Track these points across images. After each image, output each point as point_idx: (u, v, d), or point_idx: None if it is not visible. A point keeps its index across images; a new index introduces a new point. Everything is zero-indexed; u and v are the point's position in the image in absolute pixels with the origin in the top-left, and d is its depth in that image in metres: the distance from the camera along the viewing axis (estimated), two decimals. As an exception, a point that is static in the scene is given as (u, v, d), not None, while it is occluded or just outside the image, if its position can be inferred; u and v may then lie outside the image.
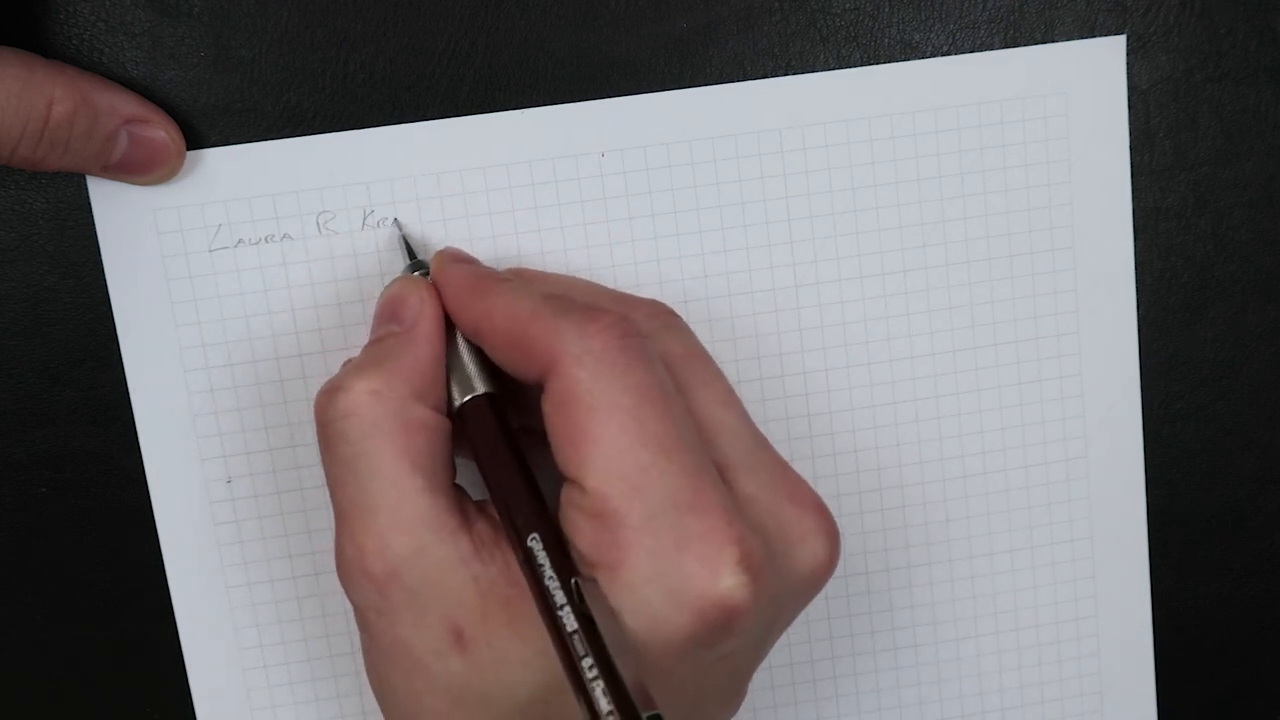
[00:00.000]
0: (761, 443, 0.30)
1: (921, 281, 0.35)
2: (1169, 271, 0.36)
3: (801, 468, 0.36)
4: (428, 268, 0.32)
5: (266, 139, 0.33)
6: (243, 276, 0.33)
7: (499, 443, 0.29)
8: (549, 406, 0.27)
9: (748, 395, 0.35)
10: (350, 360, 0.32)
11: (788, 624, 0.30)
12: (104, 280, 0.33)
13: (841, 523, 0.36)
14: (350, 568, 0.28)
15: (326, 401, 0.28)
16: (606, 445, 0.26)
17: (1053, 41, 0.35)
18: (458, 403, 0.30)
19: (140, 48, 0.32)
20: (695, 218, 0.34)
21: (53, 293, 0.33)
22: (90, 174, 0.32)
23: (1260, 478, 0.38)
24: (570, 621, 0.25)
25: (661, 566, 0.26)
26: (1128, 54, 0.35)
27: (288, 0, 0.32)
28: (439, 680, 0.27)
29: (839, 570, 0.36)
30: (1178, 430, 0.37)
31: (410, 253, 0.33)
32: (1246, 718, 0.39)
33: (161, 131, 0.31)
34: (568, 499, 0.27)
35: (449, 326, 0.30)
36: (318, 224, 0.33)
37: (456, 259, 0.32)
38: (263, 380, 0.34)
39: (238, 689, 0.35)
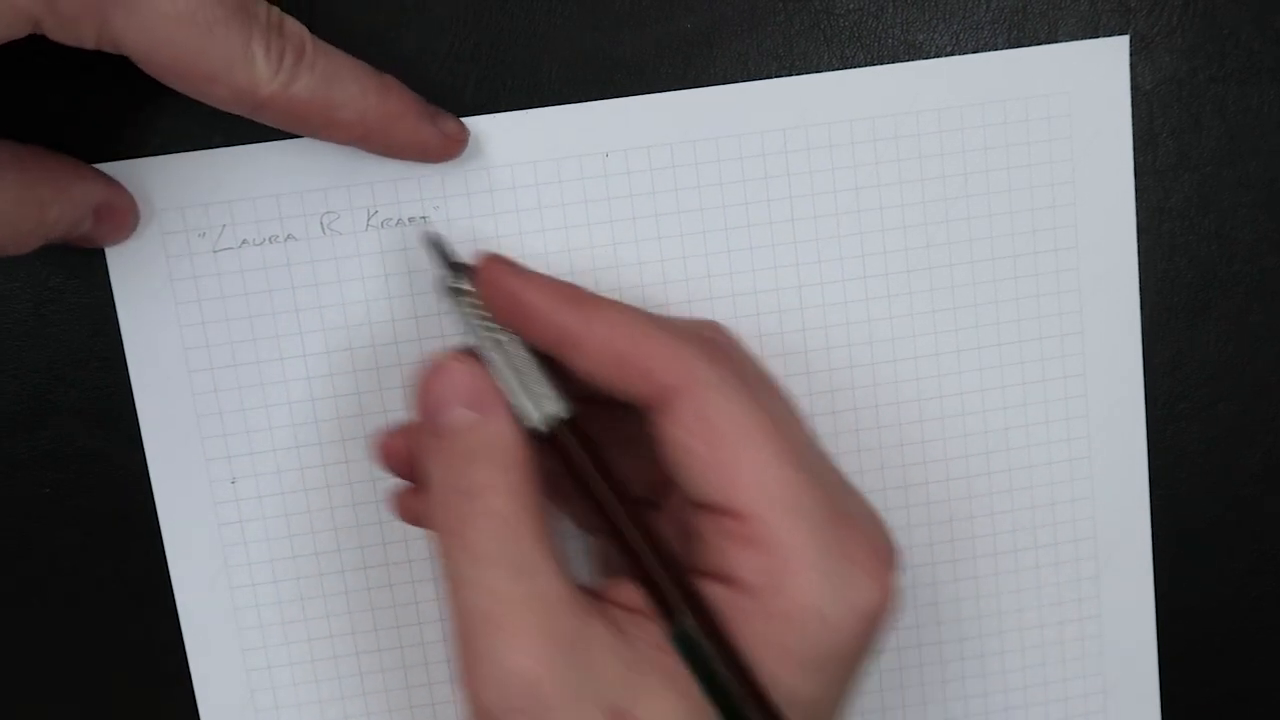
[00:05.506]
0: None
1: (925, 282, 0.35)
2: (1172, 271, 0.36)
3: (805, 468, 0.36)
4: (463, 272, 0.29)
5: (271, 140, 0.33)
6: (247, 277, 0.33)
7: (596, 466, 0.28)
8: (681, 432, 0.27)
9: (751, 395, 0.35)
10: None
11: None
12: (108, 281, 0.33)
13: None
14: (487, 681, 0.26)
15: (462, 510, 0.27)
16: (761, 471, 0.27)
17: (1056, 42, 0.35)
18: (534, 423, 0.28)
19: (145, 48, 0.32)
20: (699, 218, 0.34)
21: (57, 293, 0.33)
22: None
23: (1264, 477, 0.38)
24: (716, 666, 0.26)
25: (834, 580, 0.26)
26: (1131, 54, 0.35)
27: (291, 2, 0.32)
28: None
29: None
30: (1181, 430, 0.37)
31: (447, 258, 0.30)
32: (1250, 719, 0.39)
33: (124, 211, 0.32)
34: (716, 528, 0.27)
35: (496, 342, 0.29)
36: (322, 224, 0.33)
37: (511, 262, 0.30)
38: (267, 381, 0.34)
39: (242, 690, 0.35)
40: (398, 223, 0.33)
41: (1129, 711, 0.38)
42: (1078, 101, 0.35)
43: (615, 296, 0.34)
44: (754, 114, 0.34)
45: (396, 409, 0.34)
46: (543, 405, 0.28)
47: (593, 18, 0.33)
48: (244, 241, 0.33)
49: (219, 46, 0.27)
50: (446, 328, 0.34)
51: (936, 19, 0.34)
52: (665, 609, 0.27)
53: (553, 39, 0.33)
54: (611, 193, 0.34)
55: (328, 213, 0.33)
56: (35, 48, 0.30)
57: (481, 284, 0.29)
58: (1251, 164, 0.36)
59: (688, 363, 0.27)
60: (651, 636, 0.27)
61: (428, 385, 0.29)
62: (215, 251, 0.33)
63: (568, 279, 0.34)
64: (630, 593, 0.28)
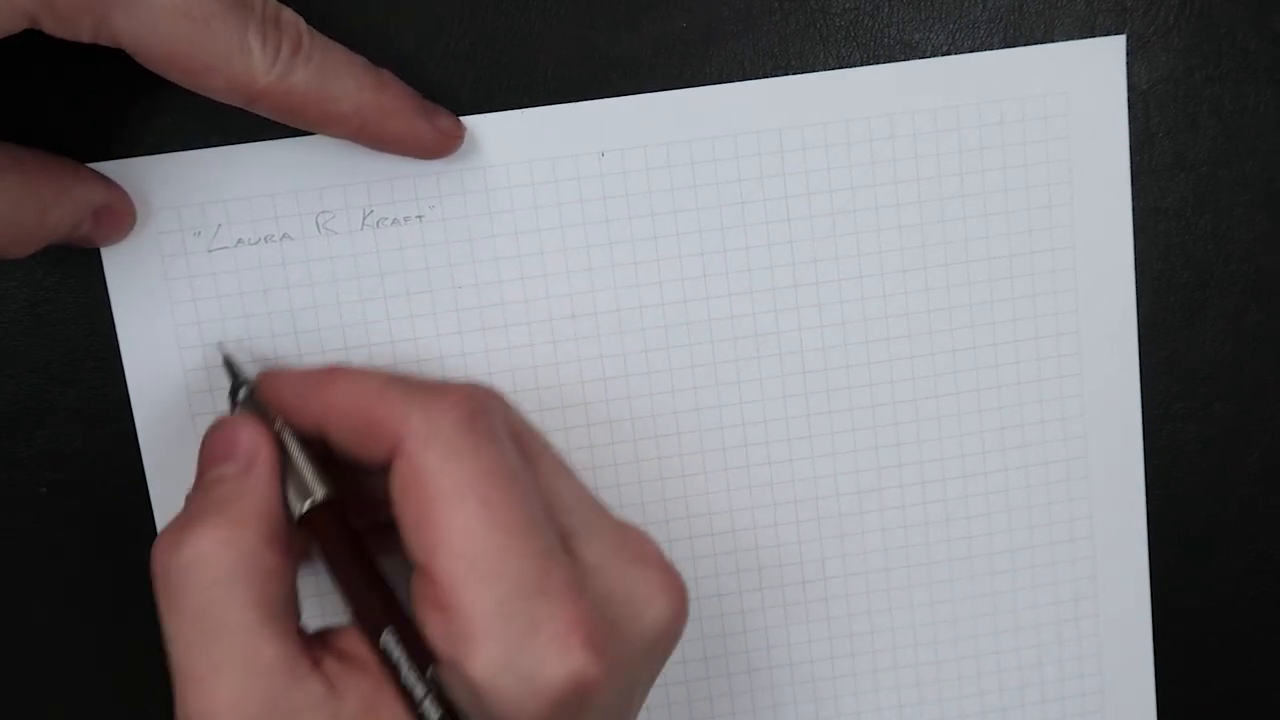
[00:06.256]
0: (599, 508, 0.30)
1: (921, 281, 0.35)
2: (1169, 271, 0.36)
3: (800, 468, 0.36)
4: (251, 384, 0.31)
5: (266, 139, 0.33)
6: (242, 276, 0.33)
7: (345, 550, 0.28)
8: (396, 490, 0.27)
9: (747, 396, 0.35)
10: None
11: (650, 684, 0.30)
12: (104, 280, 0.33)
13: (841, 523, 0.36)
14: None
15: (170, 550, 0.27)
16: (455, 532, 0.26)
17: (1052, 41, 0.35)
18: (297, 510, 0.29)
19: (140, 48, 0.32)
20: (695, 217, 0.34)
21: (53, 293, 0.33)
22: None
23: (1261, 477, 0.38)
24: (433, 713, 0.25)
25: (514, 655, 0.26)
26: (1127, 54, 0.35)
27: (287, 2, 0.32)
28: None
29: (839, 569, 0.36)
30: (1178, 430, 0.37)
31: (234, 373, 0.32)
32: (1248, 719, 0.39)
33: (123, 212, 0.32)
34: (418, 590, 0.27)
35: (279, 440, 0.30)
36: (317, 224, 0.33)
37: (282, 371, 0.31)
38: (262, 380, 0.34)
39: (237, 689, 0.35)
40: (393, 222, 0.33)
41: (1126, 712, 0.38)
42: (1074, 101, 0.35)
43: (610, 297, 0.34)
44: (749, 114, 0.34)
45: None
46: (306, 489, 0.29)
47: (589, 17, 0.33)
48: (239, 241, 0.33)
49: (216, 39, 0.27)
50: (441, 327, 0.34)
51: (932, 18, 0.34)
52: (371, 636, 0.27)
53: (549, 38, 0.33)
54: (607, 192, 0.34)
55: (323, 212, 0.33)
56: (31, 46, 0.30)
57: (261, 393, 0.30)
58: (1248, 164, 0.36)
59: (406, 418, 0.27)
60: (364, 692, 0.27)
61: (208, 438, 0.29)
62: (210, 251, 0.33)
63: (563, 278, 0.34)
64: (353, 641, 0.28)
